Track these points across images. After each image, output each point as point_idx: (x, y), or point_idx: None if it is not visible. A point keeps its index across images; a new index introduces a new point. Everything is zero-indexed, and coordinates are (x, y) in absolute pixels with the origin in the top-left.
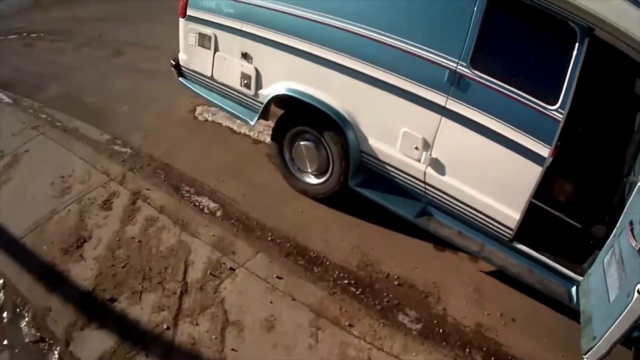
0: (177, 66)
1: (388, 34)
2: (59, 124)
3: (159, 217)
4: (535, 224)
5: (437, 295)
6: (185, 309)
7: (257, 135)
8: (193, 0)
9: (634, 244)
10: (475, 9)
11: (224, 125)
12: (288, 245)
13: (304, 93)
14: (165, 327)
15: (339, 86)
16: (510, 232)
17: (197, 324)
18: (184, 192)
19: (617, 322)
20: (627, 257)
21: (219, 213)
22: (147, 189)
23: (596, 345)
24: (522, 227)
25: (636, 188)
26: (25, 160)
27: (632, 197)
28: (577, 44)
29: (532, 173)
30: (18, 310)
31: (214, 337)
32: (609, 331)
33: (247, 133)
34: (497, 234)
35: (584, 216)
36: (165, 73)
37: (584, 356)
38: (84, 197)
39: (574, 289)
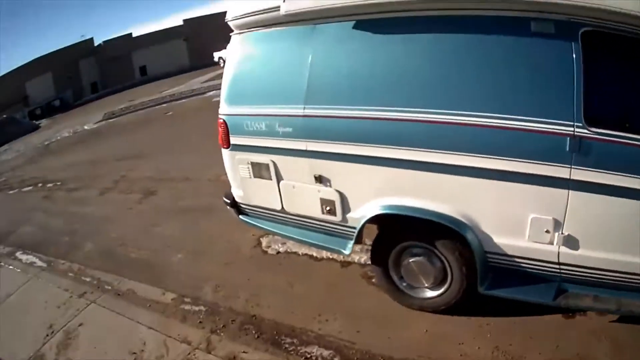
0: (234, 204)
1: (486, 115)
2: (109, 288)
3: None
4: None
5: None
6: None
7: (344, 257)
8: (236, 126)
9: None
10: (573, 59)
11: (300, 253)
12: None
13: (404, 207)
14: None
15: (448, 189)
16: None
17: None
18: (286, 345)
19: None
20: None
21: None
22: (244, 352)
23: None
24: None
25: None
26: (81, 336)
27: None
28: None
29: None
30: None
31: None
32: None
33: (331, 257)
34: (633, 284)
35: None
36: (211, 207)
37: None
38: None
39: None
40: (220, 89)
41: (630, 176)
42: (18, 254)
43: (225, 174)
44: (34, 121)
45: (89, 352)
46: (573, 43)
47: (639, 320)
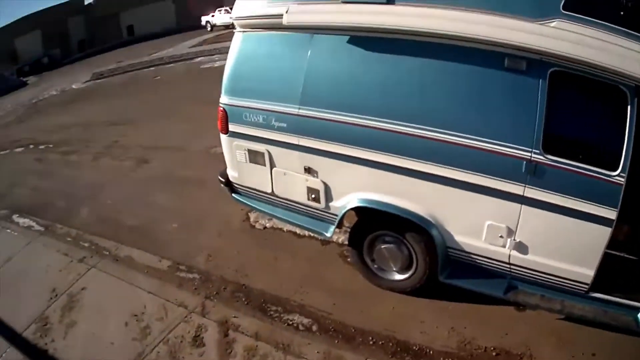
0: (228, 183)
1: (455, 134)
2: (107, 253)
3: (257, 345)
4: (605, 270)
5: (529, 353)
6: None
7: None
8: (234, 115)
9: None
10: (538, 94)
11: (285, 230)
12: (390, 344)
13: (379, 202)
14: None
15: (416, 192)
16: (587, 286)
17: None
18: (272, 312)
19: None
20: None
21: (314, 328)
22: (234, 317)
23: None
24: (596, 279)
25: None
26: (85, 299)
27: None
28: (628, 106)
29: (603, 235)
30: None
31: None
32: None
33: (312, 235)
34: (575, 289)
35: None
36: (203, 179)
37: None
38: (169, 336)
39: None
40: (207, 55)
41: (574, 199)
42: (15, 217)
43: (216, 146)
44: (22, 78)
45: (92, 314)
46: (541, 80)
47: (583, 321)
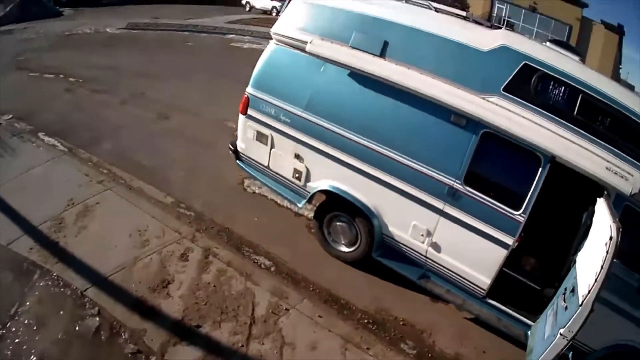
0: (236, 151)
1: (404, 156)
2: (122, 182)
3: (227, 270)
4: (506, 285)
5: (429, 332)
6: (254, 334)
7: (297, 209)
8: (254, 103)
9: (562, 304)
10: (470, 144)
11: (269, 198)
12: (325, 294)
13: (342, 190)
14: (240, 345)
15: (369, 189)
16: (483, 291)
17: (262, 344)
18: (244, 251)
19: (546, 352)
20: (559, 311)
21: (273, 269)
22: (215, 247)
23: None
24: (492, 288)
25: (573, 265)
26: (98, 211)
27: (570, 271)
28: (540, 168)
29: (500, 254)
30: (115, 330)
31: (275, 352)
32: (541, 357)
33: (289, 207)
34: (474, 292)
35: (541, 281)
36: (212, 144)
37: None
38: (163, 250)
39: (529, 331)
40: (239, 34)
41: (481, 222)
42: (41, 135)
43: (228, 120)
44: (58, 7)
45: (102, 223)
46: (474, 135)
47: (483, 324)
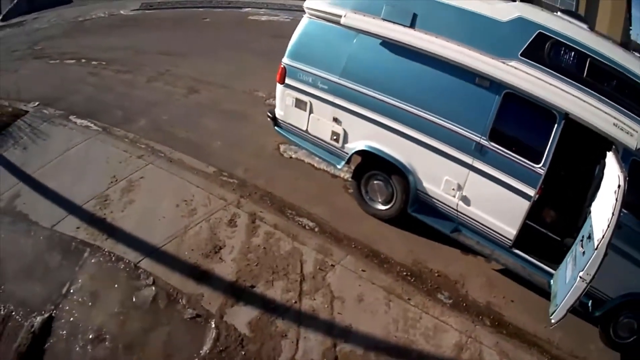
0: (274, 119)
1: (435, 115)
2: (162, 155)
3: (274, 232)
4: (529, 236)
5: (462, 282)
6: (305, 290)
7: (334, 171)
8: (291, 73)
9: (580, 250)
10: (493, 103)
11: (305, 162)
12: (366, 250)
13: (378, 149)
14: (293, 301)
15: (403, 147)
16: (510, 241)
17: (314, 299)
18: (288, 214)
19: (568, 295)
20: (578, 257)
21: (316, 229)
22: (261, 212)
23: (557, 310)
24: (518, 239)
25: (588, 215)
26: (142, 185)
27: (586, 221)
28: (555, 125)
29: (524, 205)
30: (172, 298)
31: (326, 306)
32: (563, 301)
33: (326, 169)
34: (501, 242)
35: (561, 232)
36: (245, 114)
37: (550, 317)
38: (211, 218)
39: (551, 280)
40: (254, 7)
41: (506, 175)
42: (72, 118)
43: (257, 90)
44: None
45: (148, 196)
46: (497, 96)
47: (510, 274)
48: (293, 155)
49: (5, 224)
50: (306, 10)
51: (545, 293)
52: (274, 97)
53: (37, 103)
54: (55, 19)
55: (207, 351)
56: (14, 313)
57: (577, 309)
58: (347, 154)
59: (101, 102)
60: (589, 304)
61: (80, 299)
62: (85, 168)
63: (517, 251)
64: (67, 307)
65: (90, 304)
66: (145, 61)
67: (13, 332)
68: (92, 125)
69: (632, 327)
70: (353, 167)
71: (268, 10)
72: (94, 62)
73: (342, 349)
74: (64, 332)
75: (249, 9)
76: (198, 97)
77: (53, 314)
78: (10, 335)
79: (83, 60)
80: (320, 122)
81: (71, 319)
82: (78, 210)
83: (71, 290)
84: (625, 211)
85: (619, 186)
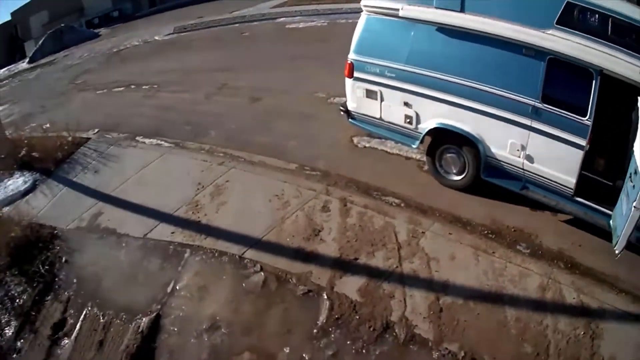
0: (347, 111)
1: (494, 87)
2: (242, 159)
3: (366, 211)
4: (586, 185)
5: (536, 234)
6: (403, 255)
7: (406, 154)
8: (359, 67)
9: (630, 185)
10: (540, 69)
11: (378, 149)
12: (449, 216)
13: (449, 125)
14: (395, 266)
15: (470, 120)
16: (571, 190)
17: (412, 262)
18: (374, 195)
19: (626, 225)
20: (630, 191)
21: (402, 205)
22: (350, 196)
23: (619, 240)
24: (578, 187)
25: (632, 155)
26: (230, 187)
27: (631, 160)
28: (594, 81)
29: (578, 155)
30: (282, 279)
31: (424, 267)
32: (623, 231)
33: (399, 153)
34: (564, 192)
35: (612, 176)
36: (312, 115)
37: (614, 248)
38: (305, 207)
39: (610, 220)
40: (290, 16)
41: (560, 130)
42: (139, 138)
43: (317, 92)
44: (93, 30)
45: (239, 196)
46: (542, 62)
47: (576, 222)
48: (366, 145)
49: (93, 240)
50: (363, 8)
51: (607, 236)
52: (335, 96)
53: (97, 130)
54: (87, 54)
55: (324, 320)
56: (114, 319)
57: (637, 245)
58: (420, 133)
59: (165, 121)
60: None
61: (187, 294)
62: (167, 180)
63: (578, 199)
64: (174, 304)
65: (199, 297)
66: (199, 79)
67: (118, 336)
68: (162, 142)
69: None
70: (425, 148)
71: (303, 17)
72: (144, 87)
73: (445, 301)
74: (175, 327)
75: (284, 18)
76: (261, 104)
77: (160, 313)
78: (114, 339)
79: (132, 87)
80: (392, 108)
81: (180, 314)
82: (169, 217)
83: (177, 288)
84: None
85: None
